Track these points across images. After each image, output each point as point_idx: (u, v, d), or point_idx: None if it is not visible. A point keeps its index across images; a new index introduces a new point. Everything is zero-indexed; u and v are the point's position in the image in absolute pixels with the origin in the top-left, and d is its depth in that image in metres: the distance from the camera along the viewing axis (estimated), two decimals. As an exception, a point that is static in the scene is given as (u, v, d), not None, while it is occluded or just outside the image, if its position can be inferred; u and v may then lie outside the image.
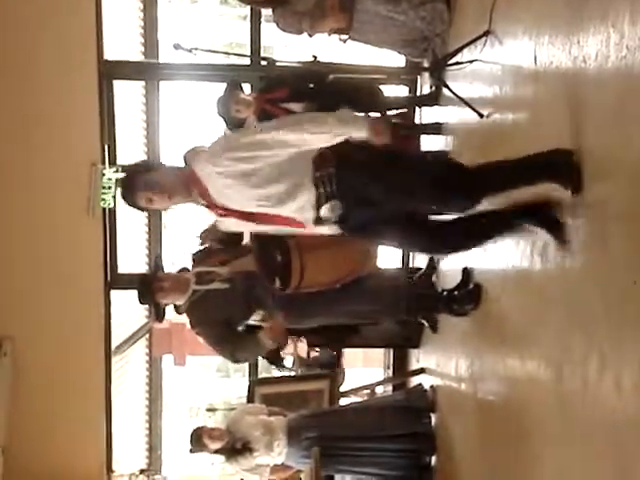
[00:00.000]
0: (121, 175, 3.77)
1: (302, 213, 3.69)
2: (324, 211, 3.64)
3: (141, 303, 6.02)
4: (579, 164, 3.15)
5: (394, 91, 8.05)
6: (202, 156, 3.67)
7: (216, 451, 6.27)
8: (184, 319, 6.12)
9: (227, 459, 6.29)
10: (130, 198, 3.65)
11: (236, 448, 6.16)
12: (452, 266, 5.74)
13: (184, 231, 12.86)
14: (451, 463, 5.77)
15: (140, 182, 3.60)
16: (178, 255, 9.90)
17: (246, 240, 5.58)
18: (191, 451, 6.43)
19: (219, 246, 5.81)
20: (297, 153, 3.60)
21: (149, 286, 5.45)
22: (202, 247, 5.98)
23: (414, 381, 7.20)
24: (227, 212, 3.70)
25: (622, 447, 2.65)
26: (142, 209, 3.74)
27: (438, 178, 3.66)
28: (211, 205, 3.68)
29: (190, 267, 5.72)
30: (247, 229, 4.03)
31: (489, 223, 3.92)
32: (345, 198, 3.64)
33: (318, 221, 3.71)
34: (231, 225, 3.89)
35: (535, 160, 3.46)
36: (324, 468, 5.83)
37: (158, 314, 5.69)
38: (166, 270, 5.74)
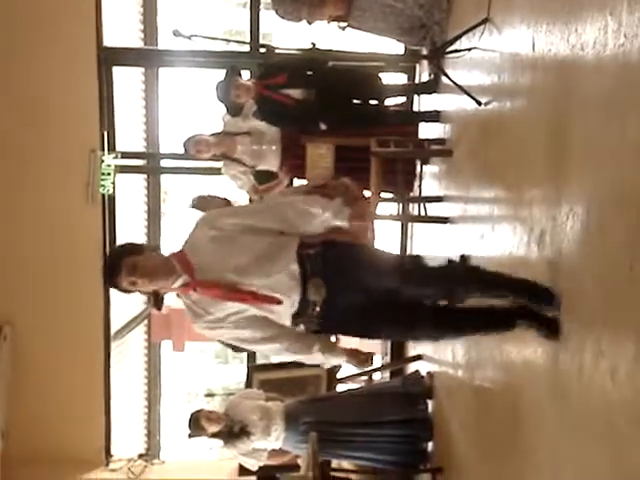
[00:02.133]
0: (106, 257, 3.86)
1: (280, 291, 3.69)
2: (309, 289, 3.65)
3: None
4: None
5: (393, 79, 8.05)
6: (199, 226, 3.81)
7: (214, 435, 6.30)
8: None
9: (225, 443, 6.33)
10: (113, 280, 3.66)
11: (234, 432, 6.20)
12: (449, 254, 5.76)
13: (184, 218, 12.87)
14: (447, 449, 5.80)
15: (123, 265, 3.60)
16: (177, 242, 9.91)
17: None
18: (190, 436, 6.46)
19: None
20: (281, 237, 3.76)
21: None
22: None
23: (411, 368, 7.23)
24: (205, 288, 3.68)
25: (616, 431, 2.68)
26: (126, 292, 3.71)
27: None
28: (191, 283, 3.69)
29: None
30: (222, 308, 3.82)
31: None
32: (331, 277, 3.67)
33: (302, 306, 3.70)
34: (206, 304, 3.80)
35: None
36: (321, 453, 5.86)
37: (157, 303, 5.69)
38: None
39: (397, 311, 3.75)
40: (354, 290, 3.68)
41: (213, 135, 6.95)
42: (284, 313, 3.74)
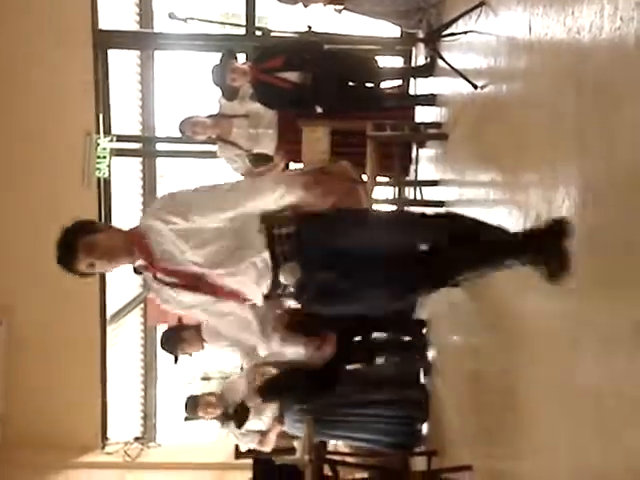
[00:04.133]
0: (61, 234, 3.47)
1: (249, 282, 3.45)
2: (282, 274, 3.40)
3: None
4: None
5: (389, 62, 8.04)
6: (149, 212, 3.55)
7: (212, 418, 6.34)
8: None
9: (221, 424, 6.35)
10: (69, 264, 3.37)
11: (229, 413, 6.21)
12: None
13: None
14: (442, 432, 5.82)
15: (79, 246, 3.33)
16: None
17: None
18: (186, 419, 6.48)
19: None
20: (242, 217, 3.45)
21: None
22: None
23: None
24: (168, 274, 3.44)
25: (611, 414, 2.70)
26: (83, 274, 3.41)
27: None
28: (151, 266, 3.44)
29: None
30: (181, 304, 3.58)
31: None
32: (307, 258, 3.40)
33: (274, 287, 3.46)
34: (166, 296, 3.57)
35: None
36: (317, 434, 5.87)
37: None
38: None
39: (387, 267, 3.47)
40: (334, 264, 3.42)
41: (209, 117, 6.94)
42: (255, 294, 3.50)
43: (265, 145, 6.98)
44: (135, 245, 3.43)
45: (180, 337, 5.94)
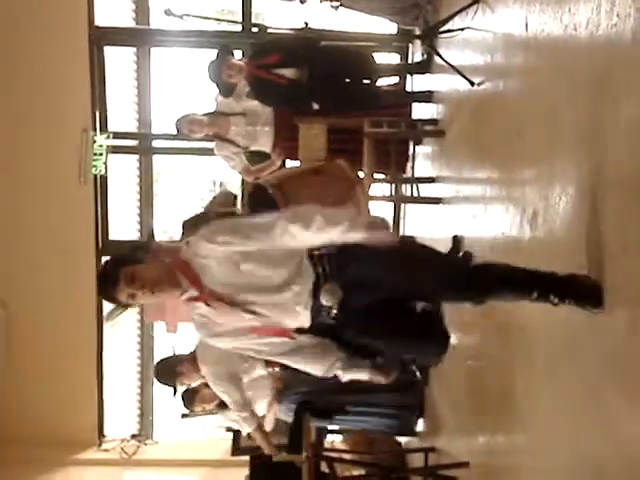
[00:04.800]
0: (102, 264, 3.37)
1: (292, 306, 3.34)
2: (323, 295, 3.28)
3: None
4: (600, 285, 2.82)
5: (385, 59, 8.03)
6: (198, 238, 3.38)
7: (208, 412, 6.35)
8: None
9: (218, 411, 6.37)
10: (109, 293, 3.31)
11: (223, 402, 6.24)
12: (442, 234, 5.76)
13: (176, 198, 12.86)
14: (439, 428, 5.83)
15: (120, 276, 3.25)
16: (169, 223, 9.91)
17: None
18: (183, 416, 6.48)
19: (221, 210, 5.80)
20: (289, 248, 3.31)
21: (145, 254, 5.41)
22: (198, 212, 5.97)
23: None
24: (217, 300, 3.33)
25: (607, 407, 2.70)
26: (125, 305, 3.39)
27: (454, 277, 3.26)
28: (201, 296, 3.33)
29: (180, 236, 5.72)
30: (233, 322, 3.45)
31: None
32: (345, 278, 3.29)
33: (316, 312, 3.35)
34: (216, 317, 3.45)
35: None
36: (314, 420, 5.92)
37: None
38: (157, 239, 5.72)
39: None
40: (374, 288, 3.30)
41: (206, 115, 6.93)
42: (302, 319, 3.39)
43: (262, 143, 6.97)
44: (183, 274, 3.32)
45: (175, 372, 5.94)
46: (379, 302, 3.36)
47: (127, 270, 3.25)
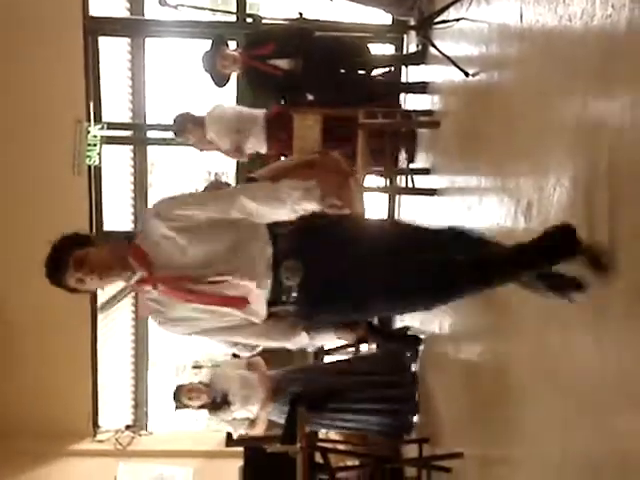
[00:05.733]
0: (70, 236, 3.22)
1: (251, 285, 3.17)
2: (283, 273, 3.13)
3: None
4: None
5: (380, 49, 8.02)
6: (150, 215, 3.26)
7: (200, 406, 6.35)
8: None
9: (209, 413, 6.37)
10: (57, 278, 3.18)
11: (216, 402, 6.24)
12: (436, 226, 5.76)
13: (170, 189, 12.83)
14: (433, 419, 5.83)
15: (69, 260, 3.12)
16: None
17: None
18: (176, 407, 6.49)
19: None
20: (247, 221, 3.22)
21: None
22: None
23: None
24: (164, 282, 3.17)
25: (602, 402, 2.70)
26: (72, 291, 3.22)
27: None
28: (149, 279, 3.18)
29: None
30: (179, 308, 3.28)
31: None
32: (308, 255, 3.15)
33: (274, 293, 3.19)
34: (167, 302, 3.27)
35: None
36: (308, 424, 5.89)
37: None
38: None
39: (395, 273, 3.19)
40: (339, 265, 3.15)
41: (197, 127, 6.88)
42: (258, 301, 3.22)
43: (256, 147, 6.93)
44: (131, 255, 3.18)
45: None
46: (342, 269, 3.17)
47: (77, 254, 3.14)
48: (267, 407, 6.34)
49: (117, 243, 3.33)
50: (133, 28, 8.36)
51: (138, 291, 3.30)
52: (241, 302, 3.19)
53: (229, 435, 6.86)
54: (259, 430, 6.45)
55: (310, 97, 6.85)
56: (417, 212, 6.92)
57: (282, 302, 3.23)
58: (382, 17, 7.98)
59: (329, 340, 3.55)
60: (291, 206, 3.21)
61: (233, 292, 3.18)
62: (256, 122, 6.82)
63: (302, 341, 3.45)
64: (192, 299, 3.17)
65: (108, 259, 3.17)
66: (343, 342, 6.23)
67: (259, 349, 6.06)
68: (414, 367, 6.57)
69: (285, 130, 6.61)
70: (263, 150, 6.94)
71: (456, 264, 3.16)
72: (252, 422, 6.42)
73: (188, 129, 6.84)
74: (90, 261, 3.12)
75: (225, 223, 3.20)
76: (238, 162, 7.89)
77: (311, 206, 3.17)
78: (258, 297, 3.20)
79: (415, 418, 6.46)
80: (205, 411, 6.49)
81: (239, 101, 7.81)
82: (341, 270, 3.16)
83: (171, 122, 6.99)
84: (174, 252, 3.16)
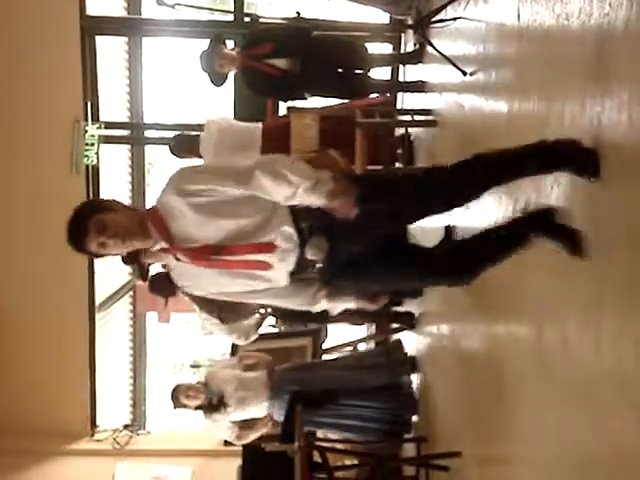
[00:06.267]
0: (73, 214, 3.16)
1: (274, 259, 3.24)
2: (309, 249, 3.22)
3: (124, 263, 5.84)
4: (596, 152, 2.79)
5: (378, 49, 8.02)
6: (168, 189, 3.25)
7: (197, 407, 6.33)
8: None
9: (205, 414, 6.34)
10: (79, 243, 3.14)
11: (212, 404, 6.21)
12: (434, 223, 5.76)
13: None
14: (432, 419, 5.84)
15: (90, 224, 3.10)
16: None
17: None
18: (174, 407, 6.48)
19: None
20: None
21: None
22: None
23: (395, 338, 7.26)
24: (186, 254, 3.22)
25: (598, 399, 2.71)
26: (94, 255, 3.22)
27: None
28: (170, 249, 3.23)
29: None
30: (201, 280, 3.38)
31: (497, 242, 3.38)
32: (333, 232, 3.22)
33: (299, 267, 3.28)
34: (184, 274, 3.37)
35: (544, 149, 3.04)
36: (307, 424, 5.89)
37: (142, 274, 5.65)
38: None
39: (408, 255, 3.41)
40: (362, 237, 3.27)
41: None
42: (280, 273, 3.29)
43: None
44: (154, 225, 3.20)
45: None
46: (368, 246, 3.31)
47: (98, 218, 3.12)
48: (263, 425, 6.35)
49: (137, 211, 3.35)
50: (130, 27, 8.36)
51: (159, 259, 3.33)
52: (264, 266, 3.25)
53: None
54: (245, 441, 6.45)
55: (308, 96, 6.85)
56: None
57: (305, 272, 3.33)
58: (380, 16, 7.98)
59: (349, 306, 3.57)
60: (294, 193, 3.12)
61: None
62: (254, 139, 6.82)
63: (323, 305, 3.51)
64: (214, 265, 3.22)
65: (130, 224, 3.18)
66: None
67: (254, 337, 6.05)
68: (413, 373, 6.57)
69: (282, 140, 6.55)
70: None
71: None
72: (244, 427, 6.40)
73: (184, 155, 6.89)
74: (112, 225, 3.12)
75: (246, 199, 3.18)
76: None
77: (316, 200, 3.12)
78: (279, 268, 3.27)
79: (414, 417, 6.46)
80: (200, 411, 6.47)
81: (236, 101, 7.82)
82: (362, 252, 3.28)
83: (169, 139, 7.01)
84: (193, 227, 3.18)
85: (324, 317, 5.93)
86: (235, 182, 3.17)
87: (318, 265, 3.32)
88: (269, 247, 3.21)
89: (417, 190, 3.29)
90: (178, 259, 3.24)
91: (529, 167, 3.10)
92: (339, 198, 3.11)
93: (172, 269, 3.40)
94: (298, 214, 3.23)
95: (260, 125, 6.91)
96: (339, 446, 6.75)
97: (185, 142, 6.89)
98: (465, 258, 3.39)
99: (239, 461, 6.68)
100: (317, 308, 3.55)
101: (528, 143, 3.07)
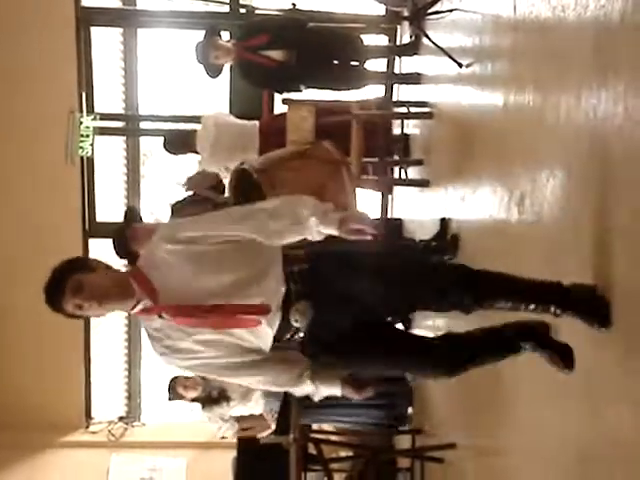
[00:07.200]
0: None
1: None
2: (293, 314, 3.03)
3: (117, 254, 5.76)
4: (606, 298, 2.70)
5: (373, 40, 8.00)
6: (151, 242, 3.12)
7: (194, 399, 6.33)
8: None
9: (203, 407, 6.34)
10: (56, 304, 3.03)
11: (212, 397, 6.21)
12: (429, 217, 5.76)
13: (163, 180, 12.81)
14: (427, 410, 5.84)
15: (67, 285, 2.97)
16: (157, 205, 9.89)
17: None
18: (170, 399, 6.48)
19: (209, 193, 5.72)
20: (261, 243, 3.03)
21: (125, 236, 5.28)
22: (187, 195, 5.91)
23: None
24: (170, 311, 2.99)
25: (595, 392, 2.71)
26: (72, 317, 3.07)
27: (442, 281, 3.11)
28: (155, 307, 3.01)
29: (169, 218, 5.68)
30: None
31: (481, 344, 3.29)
32: (319, 297, 3.04)
33: (280, 332, 3.08)
34: (171, 331, 3.09)
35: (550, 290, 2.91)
36: (302, 417, 5.89)
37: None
38: (144, 220, 5.66)
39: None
40: (347, 308, 3.08)
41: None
42: (265, 336, 3.08)
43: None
44: (135, 281, 3.02)
45: None
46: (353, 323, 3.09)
47: (75, 278, 2.98)
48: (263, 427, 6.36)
49: (119, 271, 3.21)
50: (126, 18, 8.33)
51: (141, 319, 3.16)
52: (253, 323, 3.03)
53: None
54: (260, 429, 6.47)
55: (303, 88, 6.83)
56: (410, 203, 6.92)
57: (287, 340, 3.13)
58: (375, 8, 7.96)
59: (334, 392, 3.41)
60: (309, 230, 2.98)
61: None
62: (252, 139, 6.81)
63: (307, 389, 3.29)
64: (200, 323, 2.99)
65: (109, 285, 3.02)
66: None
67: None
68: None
69: (279, 136, 6.52)
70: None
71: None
72: (243, 420, 6.41)
73: (179, 151, 6.89)
74: (89, 286, 2.97)
75: (239, 249, 3.02)
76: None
77: (329, 231, 2.97)
78: (266, 332, 3.07)
79: (409, 409, 6.47)
80: (198, 404, 6.47)
81: (232, 93, 7.81)
82: (348, 319, 3.08)
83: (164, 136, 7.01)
84: (182, 279, 3.00)
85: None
86: (230, 226, 3.02)
87: (300, 334, 3.12)
88: (263, 309, 3.00)
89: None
90: (161, 317, 3.03)
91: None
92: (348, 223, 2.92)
93: (155, 336, 3.15)
94: (287, 274, 3.06)
95: (257, 123, 6.90)
96: (334, 438, 6.76)
97: (178, 138, 6.88)
98: (461, 355, 3.29)
99: (234, 453, 6.69)
100: (300, 391, 3.32)
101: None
